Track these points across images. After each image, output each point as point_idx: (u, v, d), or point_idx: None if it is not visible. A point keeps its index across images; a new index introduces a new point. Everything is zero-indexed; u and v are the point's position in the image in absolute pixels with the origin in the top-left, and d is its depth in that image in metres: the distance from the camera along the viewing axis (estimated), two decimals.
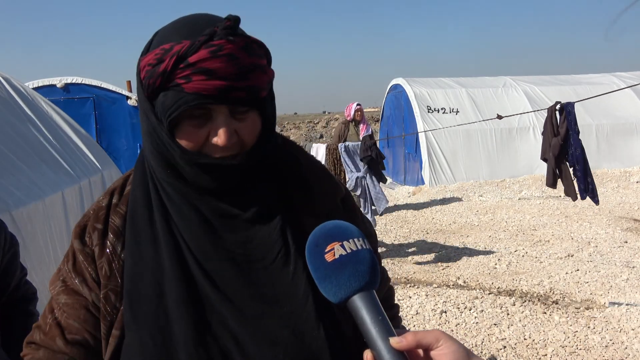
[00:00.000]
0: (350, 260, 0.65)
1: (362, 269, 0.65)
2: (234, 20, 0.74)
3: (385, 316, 0.63)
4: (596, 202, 3.88)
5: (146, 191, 0.85)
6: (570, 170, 3.83)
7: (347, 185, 5.54)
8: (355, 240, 0.67)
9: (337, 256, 0.65)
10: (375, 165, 5.67)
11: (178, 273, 0.78)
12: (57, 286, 0.86)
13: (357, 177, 5.63)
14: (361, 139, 6.67)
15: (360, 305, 0.63)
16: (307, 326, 0.77)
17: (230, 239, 0.81)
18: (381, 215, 6.15)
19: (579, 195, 3.82)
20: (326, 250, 0.66)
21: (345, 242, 0.66)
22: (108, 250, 0.83)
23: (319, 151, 6.22)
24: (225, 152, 0.78)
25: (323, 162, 5.80)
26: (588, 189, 3.77)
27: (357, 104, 7.20)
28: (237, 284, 0.79)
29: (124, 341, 0.80)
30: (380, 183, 5.87)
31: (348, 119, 7.10)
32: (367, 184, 5.65)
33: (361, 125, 7.16)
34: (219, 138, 0.76)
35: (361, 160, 5.72)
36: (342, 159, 5.85)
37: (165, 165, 0.80)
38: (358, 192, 5.66)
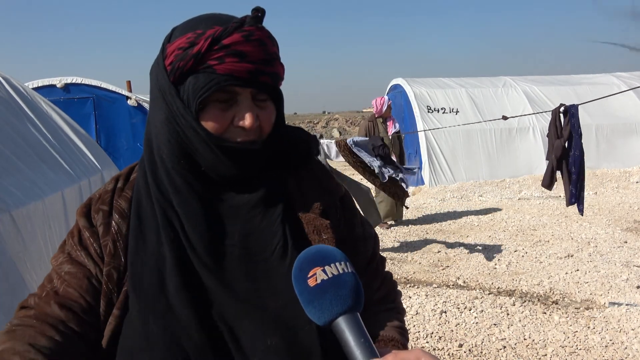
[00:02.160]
0: (331, 285, 0.66)
1: (343, 293, 0.66)
2: (262, 12, 0.80)
3: (368, 338, 0.65)
4: (580, 211, 3.78)
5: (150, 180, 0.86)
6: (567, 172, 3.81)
7: (383, 176, 5.32)
8: (337, 264, 0.68)
9: (318, 281, 0.67)
10: (388, 159, 5.51)
11: (176, 262, 0.79)
12: (61, 258, 0.86)
13: (379, 166, 5.38)
14: (390, 137, 6.50)
15: (343, 327, 0.65)
16: (300, 320, 0.78)
17: (233, 231, 0.83)
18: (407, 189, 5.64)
19: (566, 200, 3.79)
20: (309, 275, 0.67)
21: (327, 267, 0.67)
22: (113, 230, 0.85)
23: (330, 147, 5.83)
24: (247, 136, 0.82)
25: (338, 159, 5.70)
26: (577, 196, 3.73)
27: (390, 98, 6.74)
28: (236, 276, 0.81)
29: (124, 321, 0.80)
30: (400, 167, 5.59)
31: (377, 115, 6.54)
32: (390, 170, 5.31)
33: (388, 121, 6.70)
34: (246, 120, 0.80)
35: (375, 157, 5.47)
36: (356, 151, 5.40)
37: (180, 154, 0.82)
38: (393, 174, 5.30)
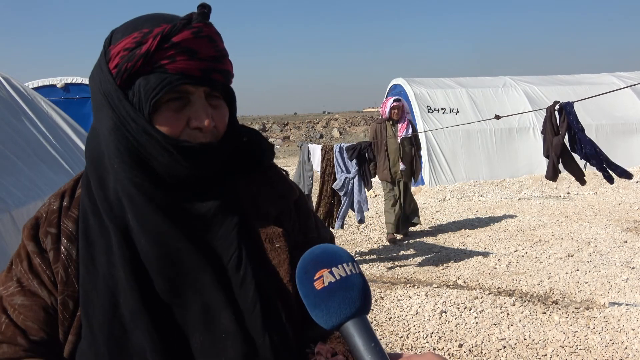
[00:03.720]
0: (339, 287, 0.63)
1: (352, 295, 0.63)
2: (208, 8, 0.78)
3: (378, 342, 0.62)
4: (627, 176, 3.92)
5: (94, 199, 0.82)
6: (583, 163, 3.88)
7: (334, 185, 5.35)
8: (345, 265, 0.65)
9: (326, 284, 0.64)
10: (366, 167, 5.47)
11: (132, 283, 0.76)
12: (12, 287, 0.81)
13: (346, 178, 5.43)
14: (399, 141, 6.02)
15: (352, 332, 0.62)
16: (255, 333, 0.77)
17: (193, 241, 0.79)
18: (360, 223, 5.52)
19: (615, 176, 3.88)
20: (315, 278, 0.64)
21: (334, 269, 0.65)
22: (63, 256, 0.80)
23: (315, 152, 5.77)
24: (204, 138, 0.79)
25: (320, 164, 5.67)
26: (612, 175, 3.83)
27: (395, 100, 6.09)
28: (193, 289, 0.78)
29: (77, 349, 0.78)
30: (365, 189, 5.48)
31: (383, 117, 6.11)
32: (354, 187, 5.36)
33: (399, 124, 6.10)
34: (201, 120, 0.77)
35: (349, 159, 5.46)
36: (334, 160, 5.44)
37: (132, 163, 0.78)
38: (342, 193, 5.35)
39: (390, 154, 6.12)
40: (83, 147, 4.77)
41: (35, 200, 3.18)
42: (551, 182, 4.04)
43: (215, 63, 0.78)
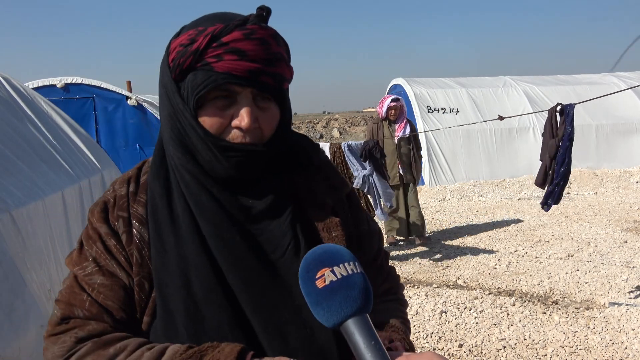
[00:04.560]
0: (340, 286, 0.65)
1: (353, 294, 0.65)
2: (267, 11, 0.79)
3: (378, 340, 0.63)
4: (545, 207, 3.89)
5: (164, 181, 0.85)
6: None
7: (355, 184, 5.31)
8: (346, 264, 0.67)
9: (327, 282, 0.65)
10: (378, 164, 5.52)
11: (204, 260, 0.79)
12: (88, 267, 0.83)
13: (365, 175, 5.43)
14: (395, 141, 5.83)
15: (353, 330, 0.63)
16: (317, 320, 0.78)
17: (244, 231, 0.82)
18: (391, 209, 5.54)
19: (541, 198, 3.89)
20: (317, 277, 0.66)
21: (335, 268, 0.66)
22: (136, 238, 0.83)
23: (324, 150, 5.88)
24: (244, 138, 0.80)
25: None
26: (551, 193, 3.80)
27: (393, 99, 5.83)
28: (253, 275, 0.80)
29: (151, 329, 0.81)
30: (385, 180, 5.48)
31: (380, 117, 5.92)
32: (375, 181, 5.34)
33: (397, 124, 5.88)
34: (243, 120, 0.79)
35: (360, 157, 5.49)
36: (346, 159, 5.39)
37: (184, 150, 0.82)
38: (365, 190, 5.32)
39: (387, 155, 5.83)
40: (83, 147, 4.77)
41: (35, 200, 3.17)
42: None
43: (265, 65, 0.78)
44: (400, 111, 5.89)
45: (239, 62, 0.76)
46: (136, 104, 8.38)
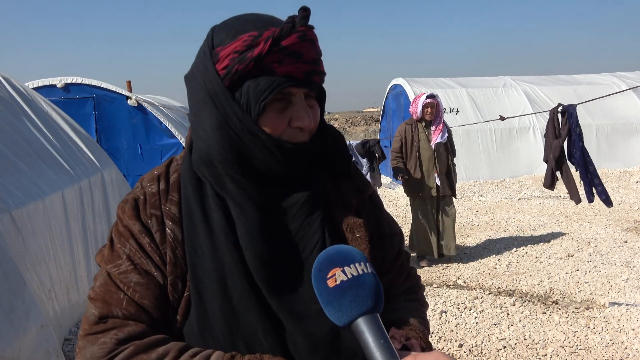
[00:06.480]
0: (350, 286, 0.67)
1: (363, 293, 0.66)
2: (309, 11, 0.80)
3: (388, 339, 0.65)
4: (607, 204, 3.64)
5: (198, 186, 0.85)
6: (577, 173, 3.77)
7: None
8: (357, 265, 0.68)
9: (338, 282, 0.67)
10: (375, 165, 5.50)
11: (239, 266, 0.79)
12: (123, 265, 0.82)
13: (365, 174, 5.43)
14: (433, 147, 5.03)
15: (363, 328, 0.65)
16: None
17: (283, 232, 0.84)
18: None
19: (586, 199, 3.73)
20: (328, 276, 0.68)
21: (346, 268, 0.68)
22: (170, 238, 0.82)
23: None
24: (303, 137, 0.83)
25: None
26: (593, 192, 3.67)
27: (428, 96, 4.99)
28: (286, 278, 0.82)
29: (184, 329, 0.81)
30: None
31: (415, 118, 5.07)
32: (370, 179, 5.45)
33: (433, 126, 5.05)
34: (302, 120, 0.81)
35: (361, 155, 5.43)
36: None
37: (234, 159, 0.81)
38: None
39: (423, 162, 5.09)
40: (83, 147, 4.77)
41: (35, 200, 3.17)
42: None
43: (315, 65, 0.81)
44: (437, 110, 5.05)
45: (297, 65, 0.77)
46: (136, 104, 8.38)
